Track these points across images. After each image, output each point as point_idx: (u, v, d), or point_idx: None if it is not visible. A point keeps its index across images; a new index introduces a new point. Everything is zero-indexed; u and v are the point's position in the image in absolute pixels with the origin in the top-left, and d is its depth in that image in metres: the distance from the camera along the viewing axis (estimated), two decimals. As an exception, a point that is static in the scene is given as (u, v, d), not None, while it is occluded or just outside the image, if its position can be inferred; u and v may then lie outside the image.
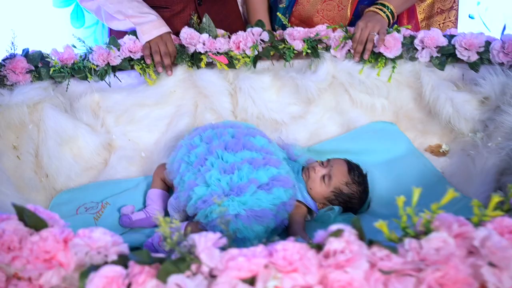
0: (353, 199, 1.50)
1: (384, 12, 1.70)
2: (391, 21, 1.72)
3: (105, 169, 1.69)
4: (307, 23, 1.89)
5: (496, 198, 0.89)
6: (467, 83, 1.69)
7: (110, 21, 1.76)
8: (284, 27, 1.91)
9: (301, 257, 0.78)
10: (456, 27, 2.08)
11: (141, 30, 1.69)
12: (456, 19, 2.10)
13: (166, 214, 1.51)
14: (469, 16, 2.59)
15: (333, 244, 0.79)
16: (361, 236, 0.82)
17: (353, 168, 1.53)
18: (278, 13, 1.87)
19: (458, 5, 2.07)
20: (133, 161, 1.72)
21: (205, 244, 0.81)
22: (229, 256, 0.79)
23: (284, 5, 1.91)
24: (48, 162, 1.60)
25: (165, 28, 1.72)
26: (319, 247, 0.80)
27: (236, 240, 1.28)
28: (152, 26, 1.70)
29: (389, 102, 1.80)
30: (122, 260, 0.81)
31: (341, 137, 1.81)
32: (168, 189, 1.58)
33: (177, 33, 1.76)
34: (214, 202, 1.29)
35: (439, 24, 2.08)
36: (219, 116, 1.79)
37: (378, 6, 1.73)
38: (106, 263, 0.82)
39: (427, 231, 0.82)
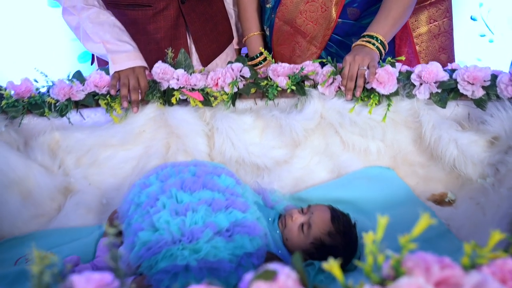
0: (337, 253, 1.25)
1: (374, 44, 1.52)
2: (383, 52, 1.54)
3: (58, 216, 1.48)
4: (291, 24, 1.77)
5: (497, 235, 0.65)
6: (473, 122, 1.47)
7: (86, 41, 1.63)
8: (271, 27, 1.80)
9: (213, 308, 0.56)
10: (451, 36, 1.93)
11: (112, 59, 1.56)
12: (451, 28, 1.95)
13: (118, 267, 1.28)
14: (471, 18, 2.49)
15: (260, 291, 0.56)
16: (304, 281, 0.59)
17: (338, 216, 1.29)
18: (261, 49, 1.73)
19: (451, 14, 1.93)
20: (91, 208, 1.51)
21: (86, 286, 0.59)
22: (114, 305, 0.57)
23: (270, 5, 1.81)
24: (-9, 205, 1.41)
25: (140, 62, 1.59)
26: (242, 295, 0.58)
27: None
28: (126, 57, 1.56)
29: (385, 145, 1.59)
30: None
31: (330, 184, 1.58)
32: (123, 237, 1.36)
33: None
34: (161, 250, 1.07)
35: (434, 36, 1.92)
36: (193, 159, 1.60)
37: (365, 39, 1.54)
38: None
39: (397, 275, 0.59)
